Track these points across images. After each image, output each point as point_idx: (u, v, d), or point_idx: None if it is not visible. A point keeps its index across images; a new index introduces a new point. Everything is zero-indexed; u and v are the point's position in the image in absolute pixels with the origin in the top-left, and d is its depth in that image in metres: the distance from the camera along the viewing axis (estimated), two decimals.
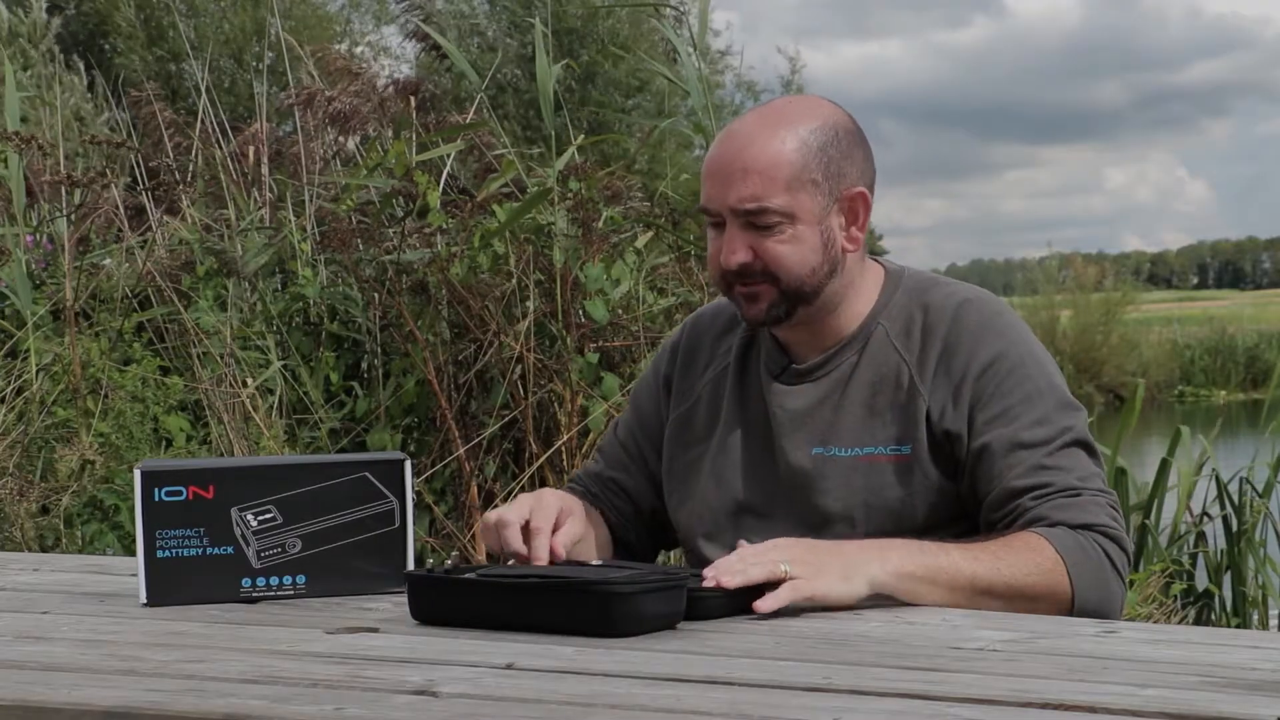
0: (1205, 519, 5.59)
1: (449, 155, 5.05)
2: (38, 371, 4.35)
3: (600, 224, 4.64)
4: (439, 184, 4.90)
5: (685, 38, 4.83)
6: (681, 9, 5.16)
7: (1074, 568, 1.76)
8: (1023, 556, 1.75)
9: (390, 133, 5.43)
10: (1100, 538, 1.79)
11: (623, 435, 2.16)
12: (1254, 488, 5.47)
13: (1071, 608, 1.76)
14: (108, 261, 5.04)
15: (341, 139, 5.52)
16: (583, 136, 5.21)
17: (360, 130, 5.46)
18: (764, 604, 1.61)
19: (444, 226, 4.66)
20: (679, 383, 2.10)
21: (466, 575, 1.65)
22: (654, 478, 2.12)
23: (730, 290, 1.95)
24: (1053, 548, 1.76)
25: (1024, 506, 1.82)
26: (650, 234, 4.88)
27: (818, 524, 1.90)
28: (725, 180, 1.90)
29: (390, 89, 5.53)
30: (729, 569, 1.63)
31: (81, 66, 13.09)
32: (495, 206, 4.60)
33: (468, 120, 5.36)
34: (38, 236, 5.09)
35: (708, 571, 1.63)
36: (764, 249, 1.90)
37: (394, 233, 4.67)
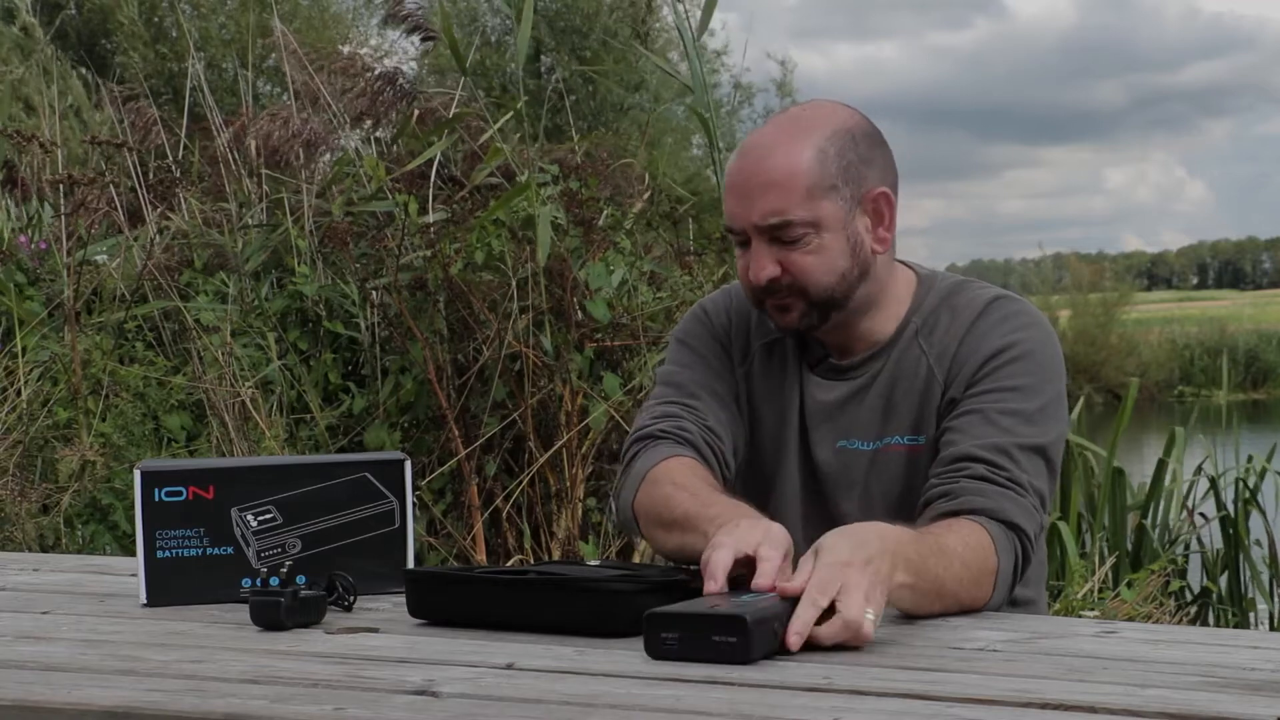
0: (1202, 519, 5.60)
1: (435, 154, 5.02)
2: (34, 370, 4.34)
3: (601, 222, 4.63)
4: (427, 179, 4.87)
5: (686, 35, 4.83)
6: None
7: (1001, 576, 1.73)
8: (975, 556, 1.69)
9: (369, 146, 5.46)
10: (1018, 544, 1.77)
11: (691, 379, 2.04)
12: (1249, 488, 5.48)
13: (984, 607, 1.72)
14: (102, 257, 5.03)
15: (338, 131, 5.51)
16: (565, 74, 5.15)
17: (346, 137, 5.47)
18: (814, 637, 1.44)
19: (443, 224, 4.65)
20: (734, 344, 2.07)
21: (466, 574, 1.65)
22: (737, 415, 2.03)
23: (761, 305, 1.95)
24: (995, 552, 1.72)
25: (973, 471, 1.79)
26: (642, 200, 4.85)
27: (839, 520, 1.87)
28: (746, 197, 1.90)
29: (378, 82, 5.52)
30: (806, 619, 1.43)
31: (82, 67, 13.08)
32: (493, 202, 4.59)
33: (454, 112, 5.32)
34: (32, 234, 5.08)
35: (793, 638, 1.42)
36: (791, 262, 1.89)
37: (391, 232, 4.66)
